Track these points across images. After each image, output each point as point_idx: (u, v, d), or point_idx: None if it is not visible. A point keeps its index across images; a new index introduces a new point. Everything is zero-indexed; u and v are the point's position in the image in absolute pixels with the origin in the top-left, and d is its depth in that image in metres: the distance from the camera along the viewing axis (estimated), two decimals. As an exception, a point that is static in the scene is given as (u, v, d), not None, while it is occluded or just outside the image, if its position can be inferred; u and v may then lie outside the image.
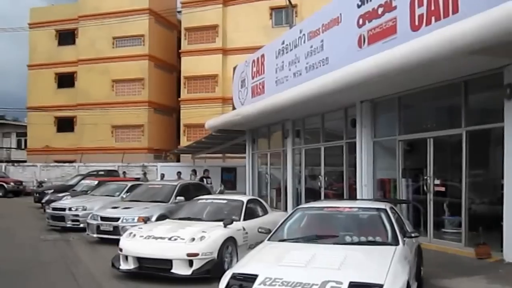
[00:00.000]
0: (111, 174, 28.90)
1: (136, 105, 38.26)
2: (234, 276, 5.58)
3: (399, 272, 5.40)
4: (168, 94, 41.29)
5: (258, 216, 10.72)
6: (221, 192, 17.96)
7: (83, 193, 18.75)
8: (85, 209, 15.27)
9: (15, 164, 39.13)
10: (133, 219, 12.70)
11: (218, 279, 8.45)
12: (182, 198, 13.97)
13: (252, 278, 5.39)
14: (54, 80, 42.34)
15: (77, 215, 15.26)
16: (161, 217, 12.66)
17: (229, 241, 9.02)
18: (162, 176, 26.48)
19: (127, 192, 16.48)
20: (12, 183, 32.81)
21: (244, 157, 30.48)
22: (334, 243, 6.48)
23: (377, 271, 5.29)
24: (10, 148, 49.20)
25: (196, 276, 8.33)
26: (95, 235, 13.09)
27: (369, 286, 5.04)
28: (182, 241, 8.67)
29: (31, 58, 43.52)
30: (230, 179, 29.51)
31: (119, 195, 16.45)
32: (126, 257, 8.88)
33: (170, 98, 41.33)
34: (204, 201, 11.18)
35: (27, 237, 14.20)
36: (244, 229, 9.64)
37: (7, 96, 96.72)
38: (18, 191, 32.79)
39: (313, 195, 17.28)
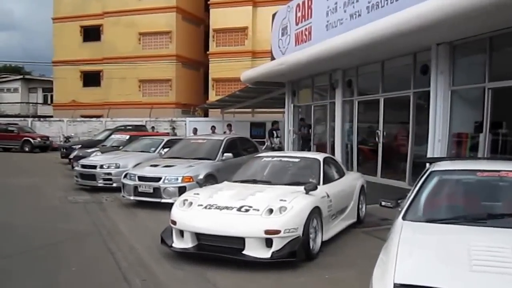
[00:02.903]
0: (139, 129, 26.87)
1: (163, 59, 36.00)
2: (398, 288, 3.10)
3: None
4: (195, 48, 38.89)
5: (334, 178, 8.20)
6: (267, 148, 15.46)
7: (114, 149, 16.48)
8: (118, 167, 13.09)
9: (42, 119, 37.17)
10: (177, 179, 10.43)
11: (302, 262, 6.22)
12: (230, 154, 11.70)
13: None
14: (79, 34, 39.97)
15: (109, 174, 13.03)
16: (208, 177, 10.41)
17: (315, 213, 6.57)
18: (195, 130, 24.04)
19: (163, 147, 14.18)
20: (38, 138, 30.98)
21: (276, 112, 28.55)
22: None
23: None
24: (37, 103, 47.05)
25: (276, 260, 5.93)
26: (132, 198, 10.77)
27: None
28: (256, 213, 6.22)
29: (56, 11, 40.97)
30: (259, 135, 27.08)
31: (155, 151, 14.23)
32: (181, 232, 6.49)
33: (197, 52, 38.95)
34: (269, 159, 8.57)
35: (54, 198, 11.97)
36: (328, 195, 7.18)
37: (35, 54, 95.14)
38: (45, 146, 30.99)
39: (368, 152, 15.00)
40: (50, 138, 31.83)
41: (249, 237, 6.00)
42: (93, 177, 13.16)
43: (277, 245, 5.97)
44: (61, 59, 39.47)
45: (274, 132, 17.49)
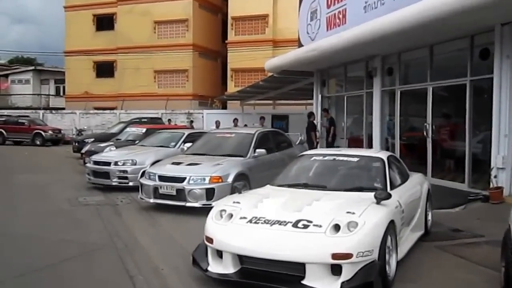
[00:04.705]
0: (155, 121, 25.55)
1: (179, 49, 34.70)
2: None
3: None
4: (213, 37, 37.57)
5: (399, 182, 6.66)
6: (301, 143, 14.00)
7: (130, 143, 15.17)
8: (134, 164, 11.85)
9: (54, 112, 36.10)
10: (204, 179, 9.05)
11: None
12: (263, 151, 10.34)
13: None
14: (92, 23, 38.70)
15: (125, 171, 11.74)
16: (239, 177, 9.06)
17: (390, 228, 5.16)
18: (218, 123, 22.65)
19: (184, 142, 12.83)
20: (50, 131, 29.97)
21: (298, 104, 27.21)
22: None
23: None
24: (49, 95, 46.03)
25: (346, 294, 4.52)
26: (151, 200, 9.41)
27: None
28: (318, 230, 4.80)
29: (67, -2, 39.83)
30: (281, 128, 25.73)
31: (175, 146, 12.90)
32: (218, 253, 5.11)
33: (215, 41, 37.67)
34: (319, 157, 7.06)
35: (63, 199, 10.66)
36: (400, 205, 5.75)
37: (50, 46, 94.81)
38: (57, 139, 29.97)
39: (413, 149, 13.61)
40: (62, 131, 30.86)
41: (311, 262, 4.59)
42: (106, 175, 11.89)
43: (347, 273, 4.56)
44: (73, 49, 38.32)
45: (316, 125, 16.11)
